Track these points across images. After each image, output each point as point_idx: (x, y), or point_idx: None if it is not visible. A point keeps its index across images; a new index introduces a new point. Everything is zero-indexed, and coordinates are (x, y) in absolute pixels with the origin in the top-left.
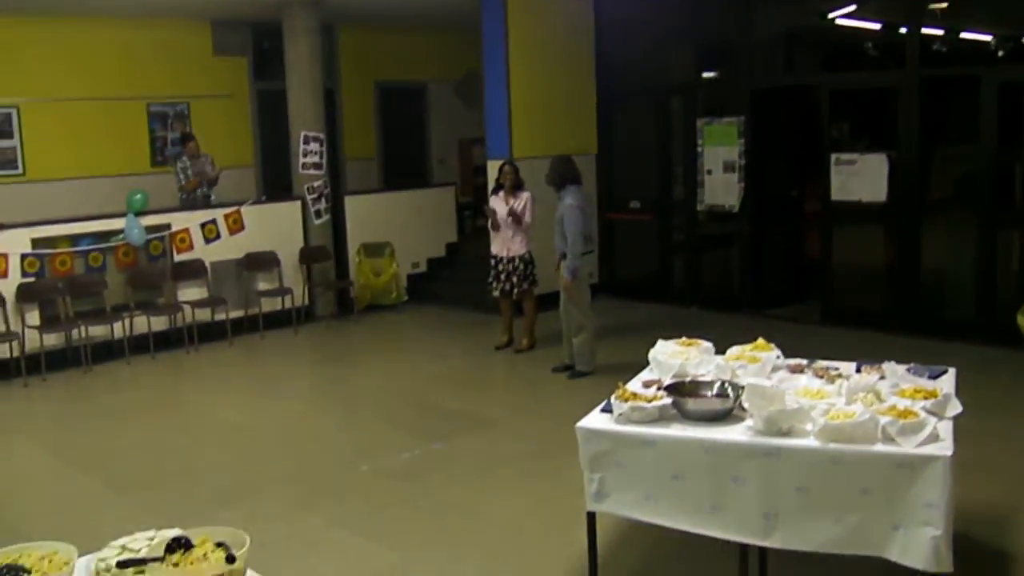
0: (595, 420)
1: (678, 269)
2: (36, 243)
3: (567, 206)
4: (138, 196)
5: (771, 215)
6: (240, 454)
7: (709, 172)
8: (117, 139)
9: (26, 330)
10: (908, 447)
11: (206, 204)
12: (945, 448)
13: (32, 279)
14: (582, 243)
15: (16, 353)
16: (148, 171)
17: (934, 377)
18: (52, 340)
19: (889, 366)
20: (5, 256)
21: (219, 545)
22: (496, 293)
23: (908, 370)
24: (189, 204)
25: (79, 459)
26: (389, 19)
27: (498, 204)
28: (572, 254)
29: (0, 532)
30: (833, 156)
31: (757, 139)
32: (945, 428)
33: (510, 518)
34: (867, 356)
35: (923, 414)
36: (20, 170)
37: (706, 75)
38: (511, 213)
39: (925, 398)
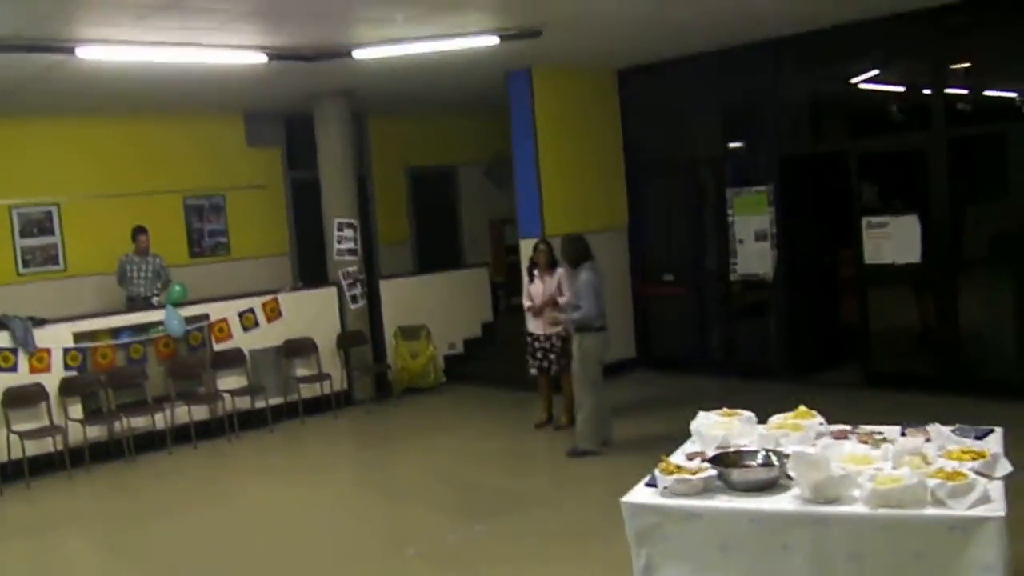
0: (640, 494)
1: (714, 340)
2: (78, 337)
3: (583, 281)
4: (177, 288)
5: (805, 281)
6: (285, 542)
7: (741, 241)
8: (154, 232)
9: (69, 423)
10: (959, 509)
11: (149, 305)
12: (997, 509)
13: (74, 373)
14: (596, 312)
15: (60, 447)
16: (186, 263)
17: (981, 437)
18: (95, 432)
19: (934, 428)
20: (48, 351)
21: None
22: (534, 371)
23: (954, 431)
24: (138, 306)
25: (126, 552)
26: (417, 106)
27: (535, 285)
28: (584, 313)
29: None
30: (864, 219)
31: (787, 206)
32: (996, 489)
33: None
34: (910, 419)
35: (972, 475)
36: (61, 266)
37: (733, 145)
38: (551, 302)
39: (973, 459)
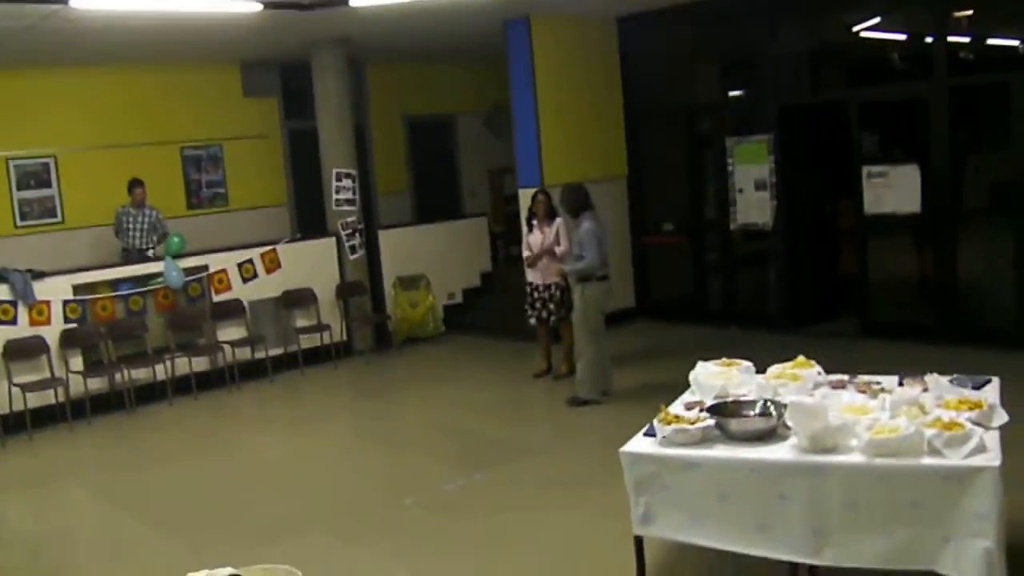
0: (639, 444)
1: (713, 289)
2: (77, 289)
3: (585, 230)
4: (175, 239)
5: (804, 231)
6: (285, 491)
7: (741, 191)
8: (152, 184)
9: (70, 375)
10: (955, 459)
11: (145, 258)
12: (993, 459)
13: (75, 325)
14: (599, 261)
15: (61, 398)
16: (184, 214)
17: (978, 387)
18: (96, 384)
19: (932, 378)
20: (48, 303)
21: None
22: (533, 321)
23: (951, 381)
24: (133, 259)
25: (127, 502)
26: (416, 54)
27: (534, 234)
28: (587, 262)
29: None
30: (865, 169)
31: (787, 156)
32: (992, 438)
33: (557, 546)
34: (908, 369)
35: (969, 425)
36: (59, 218)
37: (733, 93)
38: (547, 251)
39: (970, 409)
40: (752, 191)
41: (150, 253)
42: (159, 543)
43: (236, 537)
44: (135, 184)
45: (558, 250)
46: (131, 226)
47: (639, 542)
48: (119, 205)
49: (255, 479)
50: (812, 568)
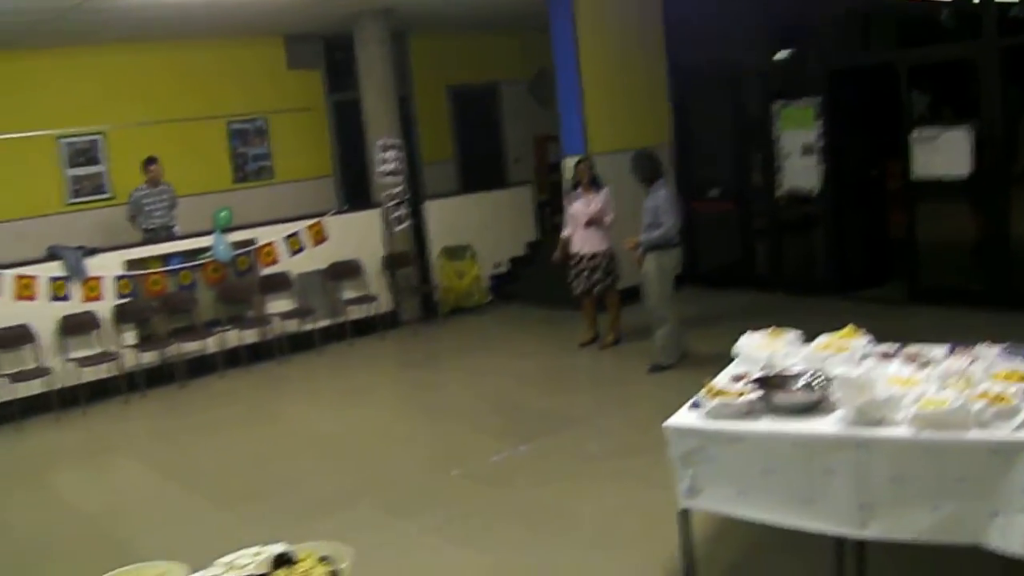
0: (684, 417)
1: (761, 255)
2: (129, 265)
3: (663, 197)
4: (223, 213)
5: (852, 196)
6: (333, 464)
7: (788, 156)
8: (199, 159)
9: (123, 349)
10: (1002, 433)
11: (170, 236)
12: None
13: (127, 300)
14: (677, 228)
15: (115, 372)
16: (231, 188)
17: None
18: (148, 358)
19: (981, 348)
20: (100, 279)
21: (323, 559)
22: (578, 291)
23: (1002, 351)
24: (161, 238)
25: (180, 474)
26: (458, 23)
27: (578, 203)
28: (666, 229)
29: (110, 550)
30: (914, 132)
31: (835, 120)
32: None
33: (602, 518)
34: (957, 335)
35: (1017, 398)
36: (109, 194)
37: (779, 57)
38: (591, 220)
39: (1020, 381)
40: (799, 156)
41: (175, 230)
42: (210, 515)
43: (285, 509)
44: (150, 162)
45: (607, 220)
46: (153, 206)
47: (684, 515)
48: (133, 189)
49: (304, 451)
50: (859, 543)
